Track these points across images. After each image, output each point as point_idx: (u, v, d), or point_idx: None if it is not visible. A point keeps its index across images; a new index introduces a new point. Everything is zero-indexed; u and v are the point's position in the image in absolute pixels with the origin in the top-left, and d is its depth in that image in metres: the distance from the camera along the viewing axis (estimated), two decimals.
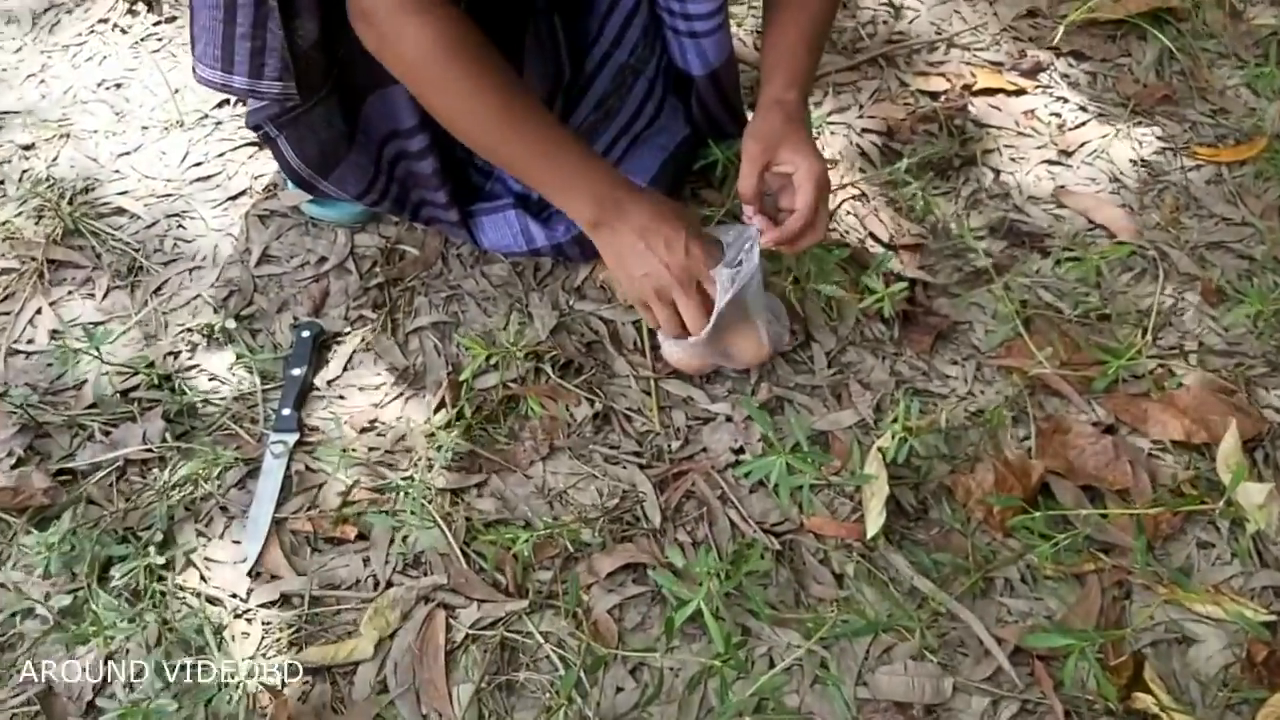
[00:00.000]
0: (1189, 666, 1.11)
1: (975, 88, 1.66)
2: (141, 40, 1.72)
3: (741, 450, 1.26)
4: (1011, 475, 1.21)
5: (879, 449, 1.20)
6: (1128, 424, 1.28)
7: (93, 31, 1.73)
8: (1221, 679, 1.10)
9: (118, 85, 1.66)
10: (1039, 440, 1.26)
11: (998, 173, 1.55)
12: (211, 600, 1.15)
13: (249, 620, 1.14)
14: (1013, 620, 1.14)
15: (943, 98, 1.65)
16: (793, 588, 1.16)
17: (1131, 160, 1.57)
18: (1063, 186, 1.54)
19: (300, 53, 1.17)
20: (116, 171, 1.54)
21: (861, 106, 1.64)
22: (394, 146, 1.32)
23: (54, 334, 1.37)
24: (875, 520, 1.17)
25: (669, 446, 1.27)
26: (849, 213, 1.50)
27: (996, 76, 1.68)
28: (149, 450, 1.25)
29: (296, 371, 1.31)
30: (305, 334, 1.34)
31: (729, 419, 1.29)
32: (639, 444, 1.28)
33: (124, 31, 1.73)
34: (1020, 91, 1.66)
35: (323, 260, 1.44)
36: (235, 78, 1.15)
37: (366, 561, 1.18)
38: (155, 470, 1.24)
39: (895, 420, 1.21)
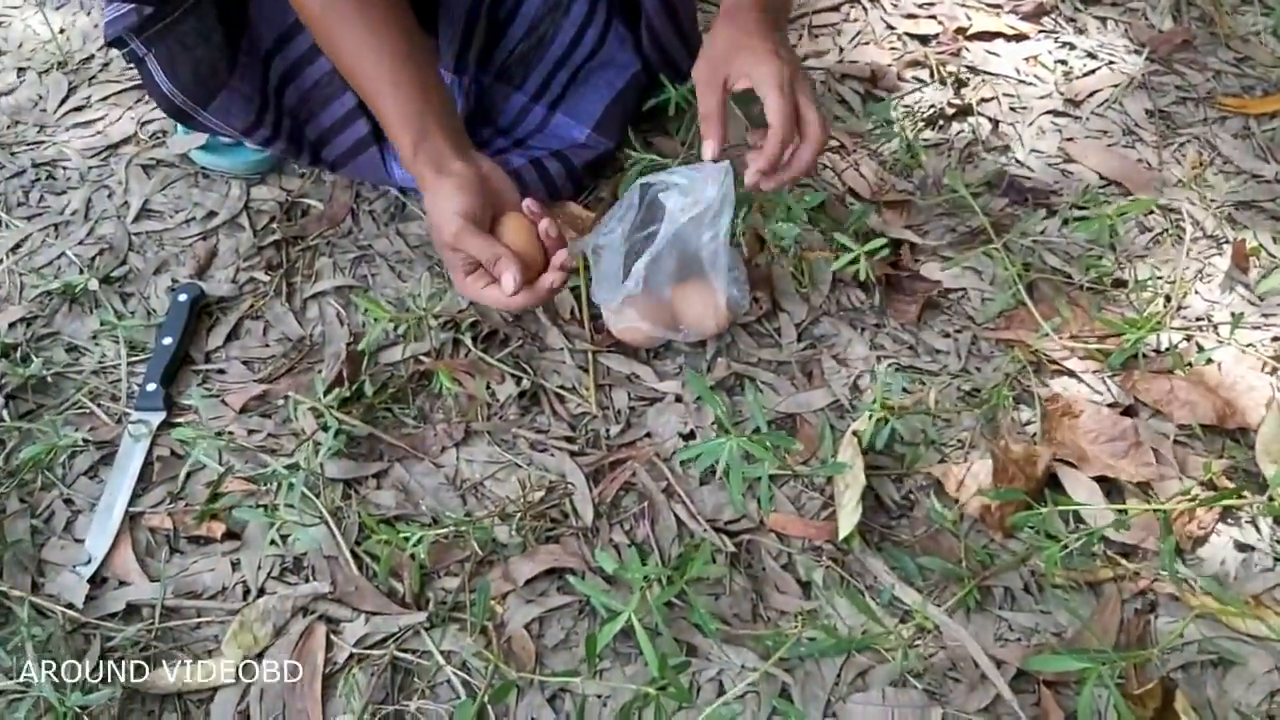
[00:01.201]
0: (1227, 694, 0.91)
1: (970, 31, 1.47)
2: None
3: (692, 435, 1.06)
4: (1013, 465, 1.01)
5: (854, 434, 1.00)
6: (1149, 406, 1.08)
7: None
8: (1266, 710, 0.90)
9: None
10: (1045, 424, 1.06)
11: (996, 123, 1.36)
12: (40, 611, 0.94)
13: (87, 637, 0.94)
14: (1014, 638, 0.94)
15: (934, 42, 1.46)
16: (749, 598, 0.96)
17: (1148, 111, 1.37)
18: (1070, 139, 1.34)
19: None
20: None
21: (842, 50, 1.45)
22: (287, 53, 1.12)
23: None
24: (849, 518, 0.97)
25: (607, 431, 1.07)
26: (825, 165, 1.30)
27: (994, 19, 1.49)
28: None
29: (167, 341, 1.10)
30: (182, 298, 1.14)
31: (678, 399, 1.09)
32: (571, 428, 1.08)
33: None
34: (1021, 36, 1.47)
35: (211, 215, 1.24)
36: None
37: (235, 565, 0.98)
38: None
39: (875, 401, 1.01)
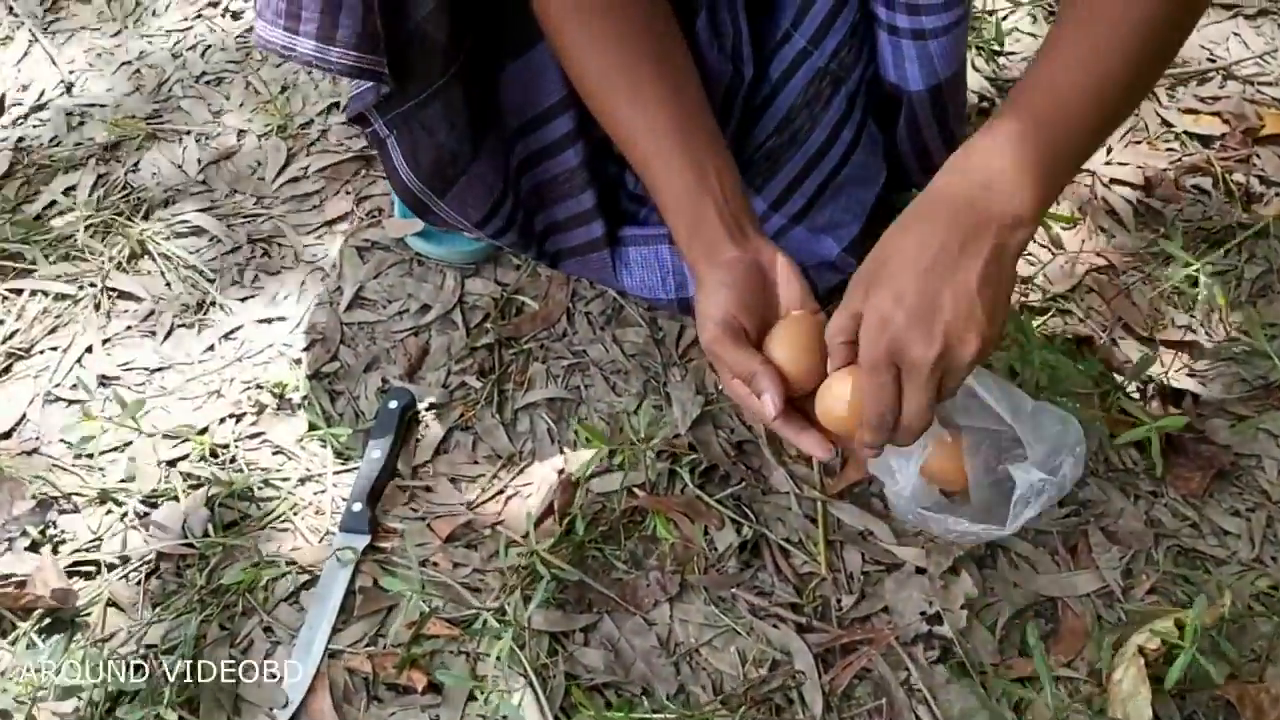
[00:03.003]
0: None
1: (1262, 134, 1.29)
2: (251, 29, 1.49)
3: (938, 619, 0.94)
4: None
5: (1140, 649, 0.86)
6: None
7: (199, 16, 1.51)
8: None
9: (219, 80, 1.44)
10: None
11: None
12: None
13: None
14: None
15: (1218, 144, 1.29)
16: None
17: None
18: None
19: (414, 25, 0.90)
20: (202, 182, 1.32)
21: (1109, 150, 1.29)
22: (530, 142, 1.03)
23: (103, 380, 1.14)
24: None
25: (838, 601, 0.96)
26: (1091, 289, 1.16)
27: None
28: (189, 545, 1.01)
29: (377, 454, 1.05)
30: (393, 404, 1.08)
31: (921, 570, 0.97)
32: (798, 592, 0.97)
33: (235, 17, 1.51)
34: None
35: (425, 309, 1.18)
36: (300, 39, 0.87)
37: None
38: (193, 570, 1.00)
39: (1170, 624, 0.86)
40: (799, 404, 0.81)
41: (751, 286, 0.84)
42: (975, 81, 1.34)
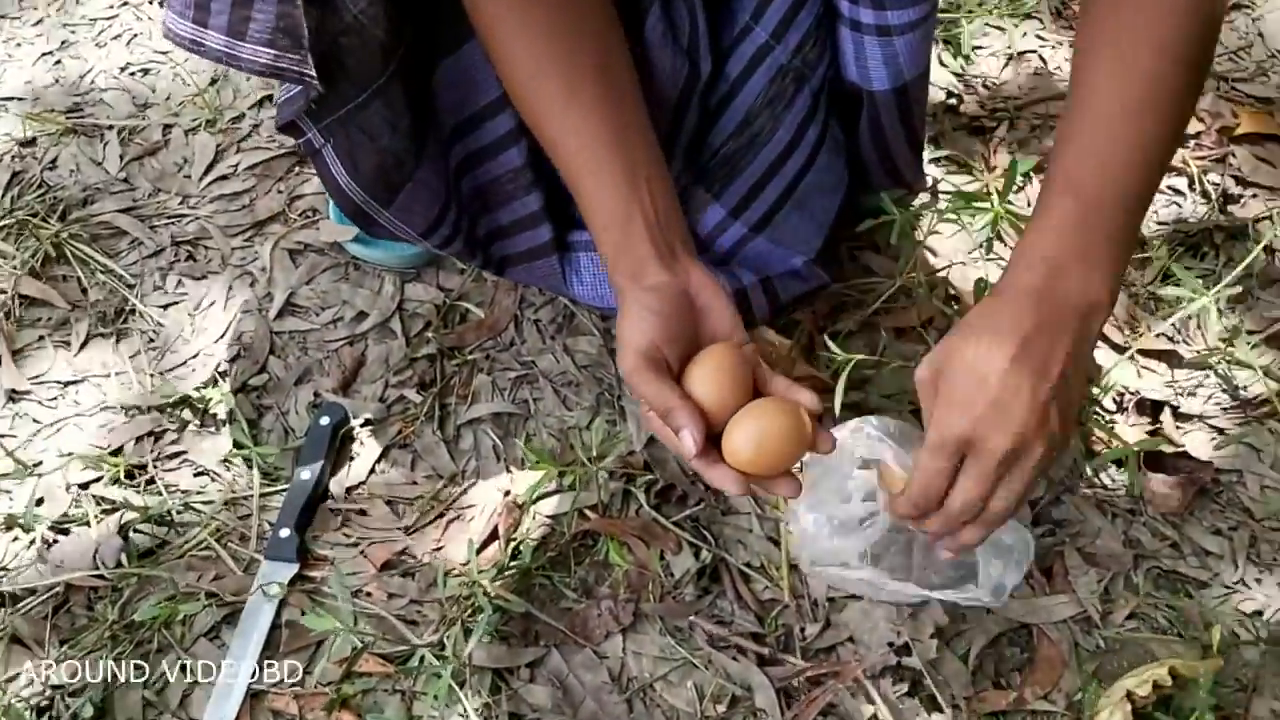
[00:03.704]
0: None
1: (1237, 131, 1.24)
2: None
3: (906, 649, 0.88)
4: None
5: (1129, 695, 0.80)
6: None
7: (125, 4, 1.43)
8: None
9: (144, 71, 1.35)
10: None
11: (1273, 252, 1.14)
12: None
13: None
14: None
15: (1193, 143, 1.24)
16: None
17: None
18: None
19: (349, 18, 0.81)
20: (124, 180, 1.23)
21: None
22: (469, 142, 0.96)
23: (12, 395, 1.06)
24: None
25: (802, 630, 0.90)
26: None
27: (1266, 120, 1.26)
28: (100, 576, 0.93)
29: (306, 475, 0.97)
30: (325, 421, 1.01)
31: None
32: (760, 620, 0.91)
33: (164, 5, 1.42)
34: None
35: (361, 317, 1.11)
36: (209, 34, 0.78)
37: None
38: (104, 604, 0.92)
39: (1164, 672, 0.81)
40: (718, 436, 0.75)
41: (677, 314, 0.77)
42: (943, 78, 1.29)
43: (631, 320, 0.77)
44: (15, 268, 1.14)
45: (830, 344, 0.93)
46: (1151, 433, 0.99)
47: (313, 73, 0.80)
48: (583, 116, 0.81)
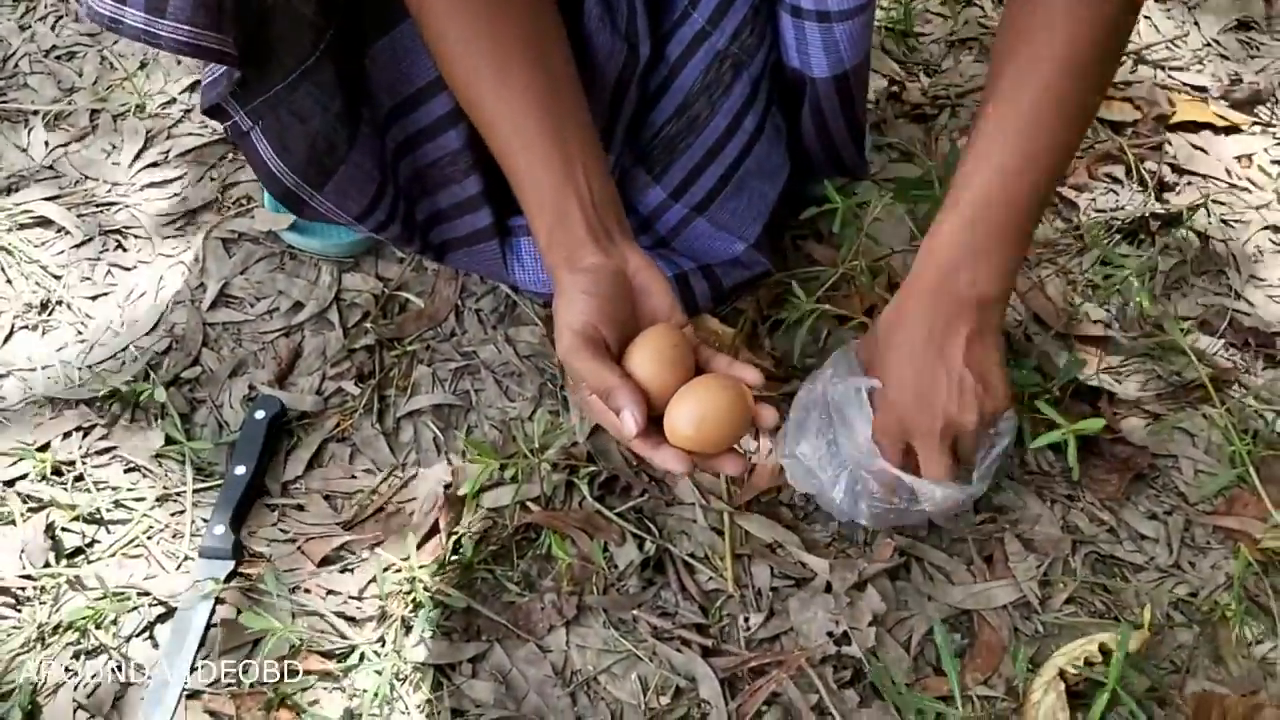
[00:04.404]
0: None
1: (1174, 120, 1.26)
2: None
3: (846, 639, 0.88)
4: (1238, 711, 0.82)
5: (1060, 675, 0.81)
6: None
7: None
8: None
9: (70, 54, 1.31)
10: None
11: (1205, 239, 1.15)
12: None
13: None
14: None
15: (1130, 131, 1.25)
16: None
17: None
18: None
19: None
20: (50, 168, 1.20)
21: None
22: (407, 124, 0.94)
23: None
24: None
25: (746, 621, 0.90)
26: None
27: (1201, 107, 1.28)
28: (27, 576, 0.90)
29: (240, 470, 0.95)
30: (260, 414, 0.98)
31: (828, 588, 0.91)
32: (704, 611, 0.91)
33: None
34: (1233, 129, 1.26)
35: (298, 307, 1.08)
36: (128, 10, 0.76)
37: None
38: (31, 605, 0.90)
39: (1094, 648, 0.82)
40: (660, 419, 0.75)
41: (614, 295, 0.76)
42: (884, 65, 1.29)
43: (568, 301, 0.76)
44: None
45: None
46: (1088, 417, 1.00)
47: (234, 51, 0.79)
48: (515, 98, 0.80)
